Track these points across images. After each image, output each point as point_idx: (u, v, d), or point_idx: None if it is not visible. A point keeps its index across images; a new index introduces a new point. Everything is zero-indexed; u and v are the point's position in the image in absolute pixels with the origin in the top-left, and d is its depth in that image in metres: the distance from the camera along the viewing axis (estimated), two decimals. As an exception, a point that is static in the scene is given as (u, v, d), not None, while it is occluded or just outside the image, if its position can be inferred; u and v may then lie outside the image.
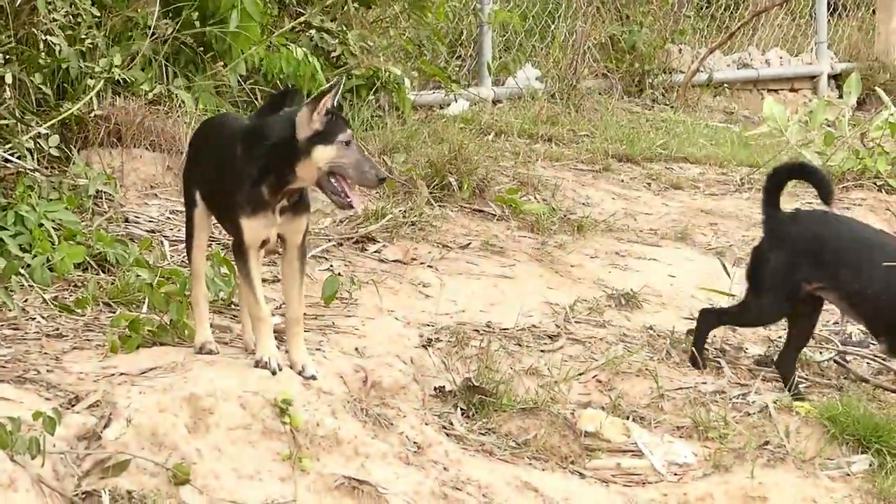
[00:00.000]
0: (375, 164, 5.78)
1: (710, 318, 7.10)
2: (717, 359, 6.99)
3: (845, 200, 9.45)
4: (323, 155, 5.28)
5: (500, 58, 11.01)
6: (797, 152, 9.78)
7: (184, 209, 6.15)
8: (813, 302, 6.78)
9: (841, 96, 10.77)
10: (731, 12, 14.06)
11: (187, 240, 5.83)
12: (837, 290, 6.73)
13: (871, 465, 5.99)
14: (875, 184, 9.55)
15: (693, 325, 7.12)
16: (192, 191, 5.71)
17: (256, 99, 8.47)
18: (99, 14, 6.77)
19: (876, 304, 6.59)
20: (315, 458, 5.09)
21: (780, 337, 7.21)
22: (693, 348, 6.96)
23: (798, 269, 6.75)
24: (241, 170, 5.46)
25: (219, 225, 6.04)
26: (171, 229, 7.19)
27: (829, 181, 7.21)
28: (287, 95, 5.74)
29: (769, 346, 7.24)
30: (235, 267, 5.78)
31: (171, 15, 7.32)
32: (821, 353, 7.28)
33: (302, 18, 8.46)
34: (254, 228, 5.42)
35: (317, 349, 5.78)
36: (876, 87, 10.56)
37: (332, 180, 5.35)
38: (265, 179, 5.41)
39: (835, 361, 7.24)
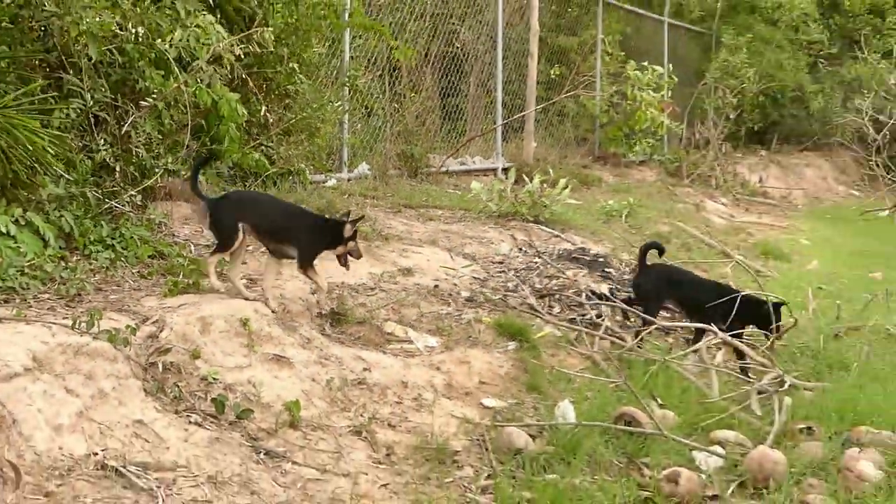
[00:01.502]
0: (361, 254, 6.38)
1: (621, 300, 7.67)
2: (453, 297, 7.23)
3: (507, 226, 9.77)
4: (350, 245, 6.16)
5: (352, 157, 11.21)
6: (486, 204, 10.09)
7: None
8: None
9: (506, 178, 11.17)
10: (459, 136, 14.50)
11: (225, 245, 6.03)
12: (679, 299, 7.44)
13: (516, 347, 6.57)
14: (522, 219, 9.92)
15: (438, 285, 7.45)
16: (237, 225, 5.96)
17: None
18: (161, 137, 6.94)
19: (697, 306, 7.21)
20: (260, 346, 5.42)
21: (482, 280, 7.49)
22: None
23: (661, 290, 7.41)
24: (316, 238, 6.18)
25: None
26: (196, 240, 7.20)
27: (663, 249, 7.98)
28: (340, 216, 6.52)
29: (472, 291, 7.46)
30: (305, 268, 6.13)
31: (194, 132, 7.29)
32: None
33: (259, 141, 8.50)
34: (315, 257, 6.17)
35: (257, 298, 5.99)
36: (523, 174, 11.22)
37: (346, 255, 6.19)
38: (323, 247, 6.22)
39: (501, 299, 7.41)
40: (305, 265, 6.18)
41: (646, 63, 17.07)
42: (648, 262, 7.58)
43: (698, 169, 19.22)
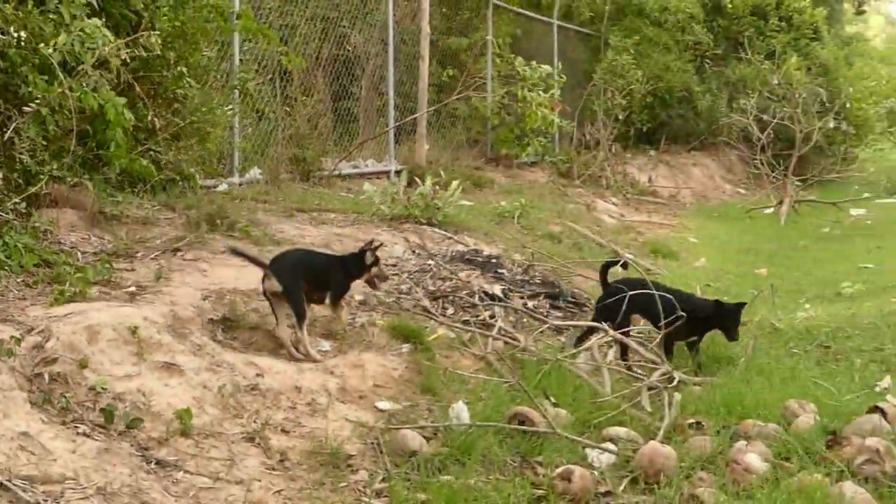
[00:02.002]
0: (387, 275, 7.13)
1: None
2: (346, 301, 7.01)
3: (401, 229, 9.72)
4: (374, 271, 6.65)
5: (243, 162, 11.19)
6: (379, 207, 10.03)
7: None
8: None
9: (399, 180, 11.18)
10: (351, 139, 14.47)
11: (304, 314, 6.28)
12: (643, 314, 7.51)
13: (410, 349, 6.56)
14: (415, 221, 9.87)
15: None
16: (300, 283, 6.25)
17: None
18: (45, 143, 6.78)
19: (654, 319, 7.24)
20: (149, 353, 5.31)
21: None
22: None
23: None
24: (345, 276, 6.62)
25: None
26: (83, 247, 7.09)
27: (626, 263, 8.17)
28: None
29: (365, 295, 7.38)
30: (335, 304, 6.57)
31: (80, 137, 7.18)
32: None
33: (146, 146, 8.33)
34: (345, 293, 6.67)
35: (150, 302, 6.00)
36: (415, 177, 11.18)
37: (373, 279, 6.69)
38: (352, 280, 6.69)
39: (395, 302, 7.43)
40: (335, 302, 6.63)
41: (534, 62, 17.18)
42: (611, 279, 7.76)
43: (589, 169, 19.48)
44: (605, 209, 16.96)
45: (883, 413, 5.73)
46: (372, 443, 5.29)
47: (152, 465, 4.59)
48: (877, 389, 6.71)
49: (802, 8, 30.26)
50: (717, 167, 26.78)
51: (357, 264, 6.69)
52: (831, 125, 22.86)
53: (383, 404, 5.78)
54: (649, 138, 25.00)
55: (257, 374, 5.61)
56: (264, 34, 10.12)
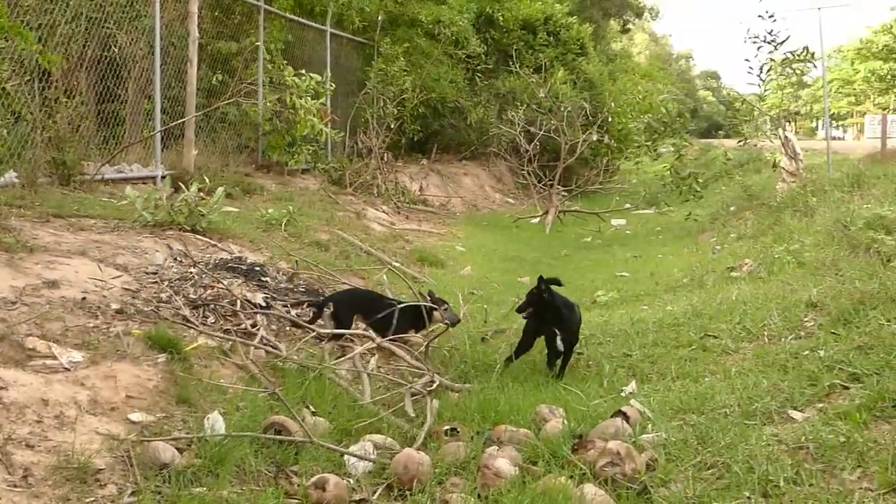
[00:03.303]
0: (455, 317, 8.36)
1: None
2: (101, 310, 6.86)
3: (164, 236, 9.39)
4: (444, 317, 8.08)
5: None
6: (141, 213, 9.68)
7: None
8: None
9: (164, 186, 10.96)
10: (118, 143, 13.76)
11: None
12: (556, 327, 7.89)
13: (167, 359, 6.35)
14: (179, 228, 9.65)
15: (87, 297, 7.05)
16: (351, 317, 8.01)
17: None
18: None
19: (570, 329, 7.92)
20: None
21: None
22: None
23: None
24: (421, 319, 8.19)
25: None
26: None
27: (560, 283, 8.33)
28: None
29: (123, 303, 7.11)
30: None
31: None
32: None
33: None
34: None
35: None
36: (181, 183, 10.81)
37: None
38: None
39: (153, 311, 7.16)
40: None
41: (304, 71, 17.16)
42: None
43: (361, 178, 19.61)
44: (375, 217, 17.07)
45: (626, 417, 5.99)
46: (122, 456, 5.12)
47: None
48: (623, 394, 7.05)
49: (570, 24, 31.49)
50: (488, 177, 27.44)
51: None
52: (594, 138, 23.81)
53: (136, 416, 5.61)
54: (421, 147, 25.44)
55: (0, 388, 5.37)
56: (18, 33, 9.70)
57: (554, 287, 8.05)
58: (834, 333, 7.19)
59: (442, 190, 23.48)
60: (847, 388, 6.02)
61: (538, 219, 21.75)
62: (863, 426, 5.29)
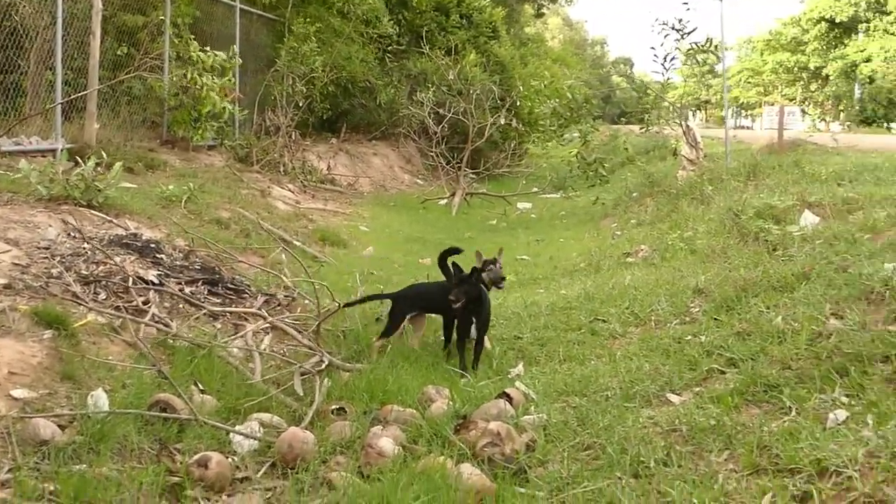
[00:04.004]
0: (502, 277, 8.48)
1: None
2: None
3: (58, 211, 9.16)
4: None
5: None
6: (36, 186, 9.46)
7: None
8: None
9: (61, 159, 10.73)
10: (18, 114, 13.57)
11: (395, 327, 7.91)
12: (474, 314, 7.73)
13: (53, 335, 6.21)
14: (75, 203, 9.49)
15: None
16: (406, 311, 7.94)
17: None
18: None
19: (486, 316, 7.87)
20: None
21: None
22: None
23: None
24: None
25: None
26: None
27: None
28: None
29: (11, 278, 6.96)
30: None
31: None
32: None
33: None
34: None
35: None
36: (80, 157, 10.76)
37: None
38: None
39: (42, 287, 7.00)
40: None
41: (208, 48, 16.95)
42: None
43: (268, 155, 19.45)
44: (280, 196, 16.93)
45: (509, 398, 6.11)
46: (2, 433, 5.03)
47: None
48: (510, 376, 7.18)
49: (483, 7, 31.58)
50: (397, 158, 27.44)
51: None
52: (503, 121, 23.94)
53: (18, 392, 5.52)
54: (331, 126, 25.33)
55: None
56: None
57: (453, 257, 8.08)
58: (716, 319, 7.38)
59: (350, 169, 23.41)
60: (724, 372, 6.19)
61: (445, 201, 21.83)
62: (734, 410, 5.43)
